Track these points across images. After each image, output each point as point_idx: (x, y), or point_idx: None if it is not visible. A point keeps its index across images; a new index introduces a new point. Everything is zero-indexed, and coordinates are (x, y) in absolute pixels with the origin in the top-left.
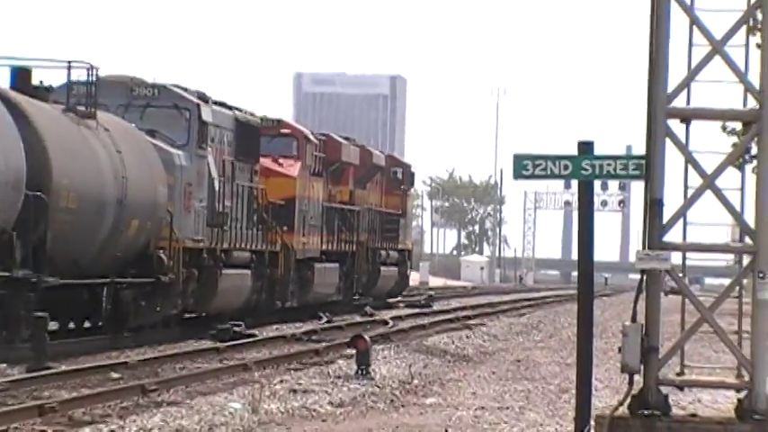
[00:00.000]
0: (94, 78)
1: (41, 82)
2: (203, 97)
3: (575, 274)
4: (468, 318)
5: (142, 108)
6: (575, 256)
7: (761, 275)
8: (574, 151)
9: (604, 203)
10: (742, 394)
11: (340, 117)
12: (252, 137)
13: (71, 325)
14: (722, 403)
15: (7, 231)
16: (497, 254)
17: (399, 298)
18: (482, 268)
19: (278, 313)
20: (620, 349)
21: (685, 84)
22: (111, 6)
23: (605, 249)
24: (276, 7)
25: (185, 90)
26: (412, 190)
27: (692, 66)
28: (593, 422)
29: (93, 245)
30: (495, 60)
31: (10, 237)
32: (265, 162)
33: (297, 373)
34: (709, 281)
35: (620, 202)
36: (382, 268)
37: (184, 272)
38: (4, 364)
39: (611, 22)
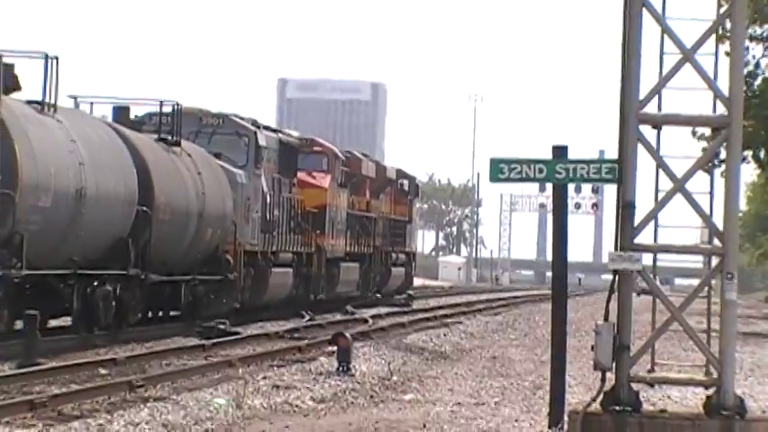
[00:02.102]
0: (179, 113)
1: (136, 116)
2: (256, 124)
3: (549, 274)
4: (446, 316)
5: (209, 134)
6: (549, 256)
7: (729, 276)
8: (548, 155)
9: (578, 206)
10: (710, 391)
11: (322, 121)
12: (292, 155)
13: (149, 314)
14: (691, 400)
15: (124, 238)
16: (474, 255)
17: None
18: (459, 269)
19: (311, 304)
20: (592, 347)
21: (656, 90)
22: (98, 11)
23: (579, 250)
24: (261, 14)
25: (243, 119)
26: (416, 199)
27: (664, 73)
28: (566, 418)
29: (180, 249)
30: (472, 67)
31: (126, 242)
32: (301, 175)
33: (280, 370)
34: (678, 281)
35: (594, 204)
36: (393, 268)
37: (244, 271)
38: None
39: (585, 31)
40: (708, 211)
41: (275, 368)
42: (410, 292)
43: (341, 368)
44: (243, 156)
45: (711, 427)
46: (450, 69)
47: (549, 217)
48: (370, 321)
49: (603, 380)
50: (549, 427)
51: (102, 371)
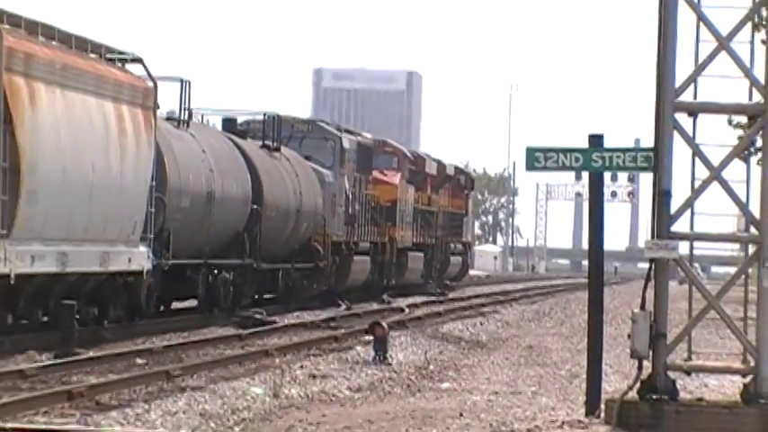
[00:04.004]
0: (279, 122)
1: (239, 124)
2: (339, 128)
3: (585, 262)
4: (482, 305)
5: (300, 139)
6: (585, 245)
7: (766, 264)
8: (584, 144)
9: (614, 194)
10: (747, 379)
11: (358, 112)
12: (368, 155)
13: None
14: (728, 388)
15: (240, 232)
16: (510, 243)
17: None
18: (495, 258)
19: (384, 289)
20: (629, 336)
21: (692, 79)
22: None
23: (615, 239)
24: (296, 3)
25: (328, 125)
26: (472, 193)
27: (699, 61)
28: (603, 406)
29: (281, 240)
30: (507, 56)
31: (242, 236)
32: (375, 173)
33: (316, 359)
34: (715, 269)
35: (630, 193)
36: (451, 258)
37: (330, 259)
38: (34, 351)
39: (621, 19)
40: (744, 200)
41: (312, 357)
42: (446, 281)
43: (377, 357)
44: (330, 158)
45: (748, 416)
46: (485, 58)
47: (586, 205)
48: (407, 310)
49: (640, 368)
50: (586, 416)
51: (140, 360)
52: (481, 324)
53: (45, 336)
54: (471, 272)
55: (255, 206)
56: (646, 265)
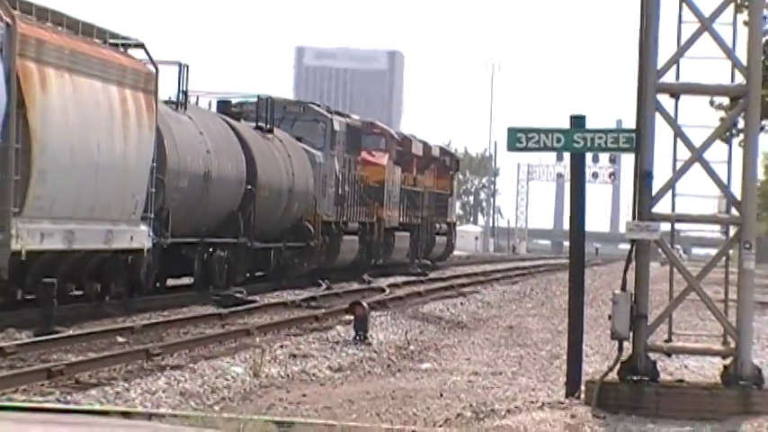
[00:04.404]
0: (272, 105)
1: (233, 106)
2: (330, 110)
3: (566, 243)
4: (463, 285)
5: (292, 121)
6: (566, 226)
7: (746, 246)
8: (566, 125)
9: (595, 175)
10: (728, 361)
11: (340, 91)
12: (356, 136)
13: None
14: (708, 369)
15: (234, 212)
16: (491, 224)
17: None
18: (476, 238)
19: (372, 268)
20: (610, 317)
21: (675, 60)
22: None
23: (596, 220)
24: None
25: (319, 107)
26: (457, 173)
27: (682, 42)
28: (583, 387)
29: (274, 220)
30: (489, 36)
31: (236, 215)
32: (363, 154)
33: (297, 339)
34: (696, 251)
35: (611, 174)
36: (437, 237)
37: (321, 238)
38: (13, 328)
39: (603, 0)
40: (726, 181)
41: (292, 337)
42: (426, 261)
43: (358, 337)
44: (321, 139)
45: (728, 397)
46: (467, 38)
47: (567, 186)
48: (387, 290)
49: (620, 349)
50: (566, 397)
51: (120, 339)
52: (462, 304)
53: (25, 313)
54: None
55: (249, 186)
56: (627, 247)
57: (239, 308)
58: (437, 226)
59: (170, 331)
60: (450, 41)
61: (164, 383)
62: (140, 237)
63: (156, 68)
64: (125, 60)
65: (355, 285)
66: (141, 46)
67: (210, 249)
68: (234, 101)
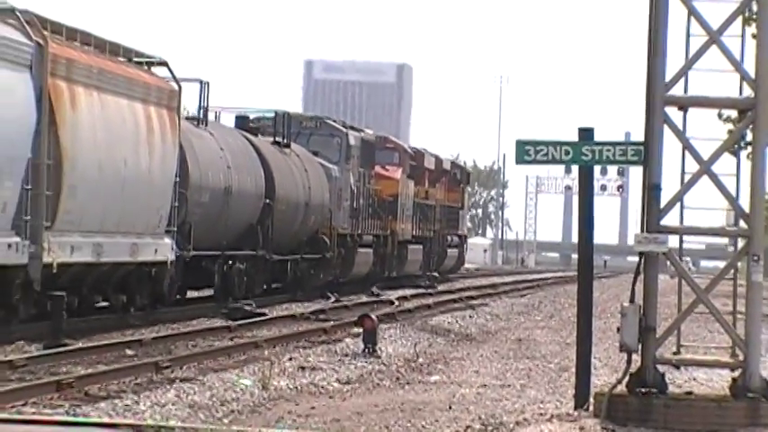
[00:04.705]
0: (289, 119)
1: (250, 119)
2: (345, 125)
3: (575, 256)
4: (472, 298)
5: (308, 135)
6: (575, 238)
7: (755, 258)
8: (574, 137)
9: (604, 188)
10: (736, 373)
11: (348, 104)
12: (370, 150)
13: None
14: (717, 382)
15: (254, 225)
16: (500, 236)
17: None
18: (485, 250)
19: (386, 280)
20: (618, 329)
21: (683, 72)
22: None
23: (604, 232)
24: None
25: (335, 122)
26: (468, 186)
27: (690, 55)
28: (591, 399)
29: (291, 233)
30: (498, 48)
31: (255, 228)
32: (377, 168)
33: (305, 351)
34: (704, 263)
35: (619, 186)
36: (448, 250)
37: (336, 250)
38: (23, 341)
39: (612, 13)
40: (734, 194)
41: (301, 349)
42: (435, 274)
43: (367, 350)
44: (336, 154)
45: (737, 410)
46: (476, 50)
47: (575, 199)
48: (396, 303)
49: (629, 362)
50: (575, 409)
51: (129, 351)
52: (470, 317)
53: (35, 326)
54: None
55: (268, 200)
56: (635, 259)
57: (248, 320)
58: (449, 239)
59: (179, 344)
60: (459, 54)
61: (173, 396)
62: (164, 249)
63: (179, 86)
64: (149, 78)
65: (364, 298)
66: (165, 64)
67: (230, 262)
68: (251, 116)
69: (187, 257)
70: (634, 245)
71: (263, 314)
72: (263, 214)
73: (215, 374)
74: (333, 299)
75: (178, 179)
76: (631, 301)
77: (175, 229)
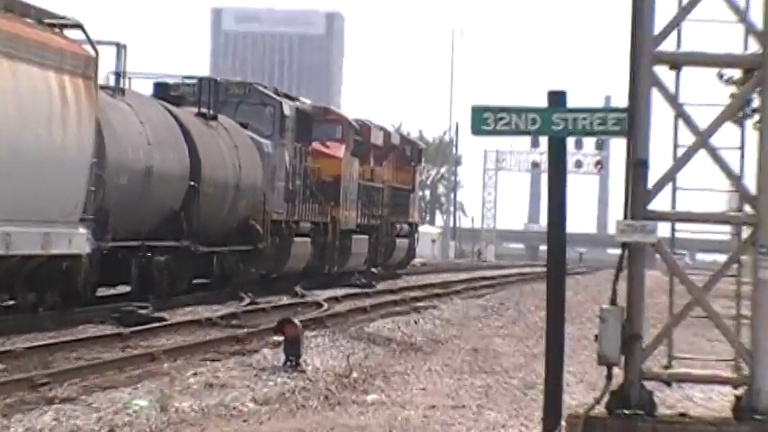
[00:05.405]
0: (215, 88)
1: (170, 87)
2: (278, 92)
3: (543, 247)
4: (417, 299)
5: (235, 104)
6: (543, 226)
7: (762, 250)
8: (543, 103)
9: (579, 164)
10: (740, 391)
11: (266, 60)
12: (307, 123)
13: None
14: (717, 401)
15: (177, 212)
16: (452, 224)
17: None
18: (434, 241)
19: (325, 277)
20: (596, 337)
21: (676, 23)
22: None
23: (580, 219)
24: None
25: (266, 88)
26: (420, 166)
27: (684, 2)
28: (564, 423)
29: (218, 220)
30: None
31: (179, 215)
32: (315, 144)
33: (214, 365)
34: (701, 256)
35: (598, 163)
36: (397, 240)
37: (270, 240)
38: None
39: None
40: (738, 172)
41: (208, 362)
42: (373, 269)
43: (289, 363)
44: (269, 126)
45: None
46: None
47: (544, 178)
48: (325, 305)
49: (609, 377)
50: None
51: None
52: (416, 322)
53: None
54: None
55: (193, 182)
56: (617, 251)
57: (144, 327)
58: (398, 227)
59: (58, 356)
60: (402, 1)
61: (51, 419)
62: (79, 240)
63: (96, 51)
64: (63, 43)
65: (285, 300)
66: (80, 26)
67: (149, 254)
68: (171, 82)
69: (105, 249)
70: (616, 234)
71: (162, 319)
72: (187, 198)
73: (103, 393)
74: (247, 300)
75: (95, 159)
76: (612, 302)
77: (92, 216)
